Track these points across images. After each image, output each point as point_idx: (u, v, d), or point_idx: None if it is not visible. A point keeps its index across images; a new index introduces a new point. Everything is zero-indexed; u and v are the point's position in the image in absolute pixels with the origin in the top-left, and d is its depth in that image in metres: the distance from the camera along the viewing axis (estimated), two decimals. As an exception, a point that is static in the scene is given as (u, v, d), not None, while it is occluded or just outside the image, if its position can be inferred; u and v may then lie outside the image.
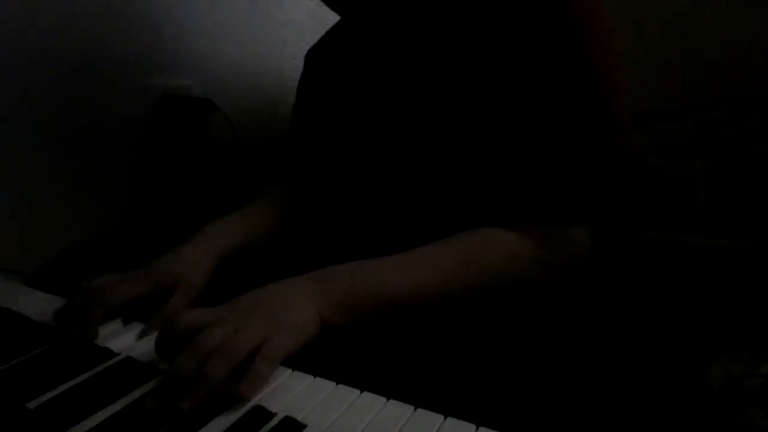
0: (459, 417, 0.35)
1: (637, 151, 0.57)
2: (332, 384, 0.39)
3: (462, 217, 0.56)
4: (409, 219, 0.62)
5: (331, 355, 0.45)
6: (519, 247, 0.53)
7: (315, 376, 0.40)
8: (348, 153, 0.70)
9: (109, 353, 0.46)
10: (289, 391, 0.39)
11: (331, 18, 0.80)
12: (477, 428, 0.34)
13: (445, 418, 0.35)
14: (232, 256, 0.66)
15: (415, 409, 0.36)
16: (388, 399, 0.37)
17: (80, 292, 0.53)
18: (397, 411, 0.36)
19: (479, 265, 0.53)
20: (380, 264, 0.52)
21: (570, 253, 0.55)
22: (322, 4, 0.67)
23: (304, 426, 0.35)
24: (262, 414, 0.36)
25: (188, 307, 0.56)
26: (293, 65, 1.23)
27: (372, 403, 0.37)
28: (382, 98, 0.65)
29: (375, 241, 0.55)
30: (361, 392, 0.38)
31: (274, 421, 0.36)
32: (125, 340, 0.49)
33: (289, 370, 0.41)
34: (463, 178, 0.58)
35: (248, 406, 0.37)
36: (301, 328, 0.45)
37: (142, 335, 0.50)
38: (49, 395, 0.40)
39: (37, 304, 0.56)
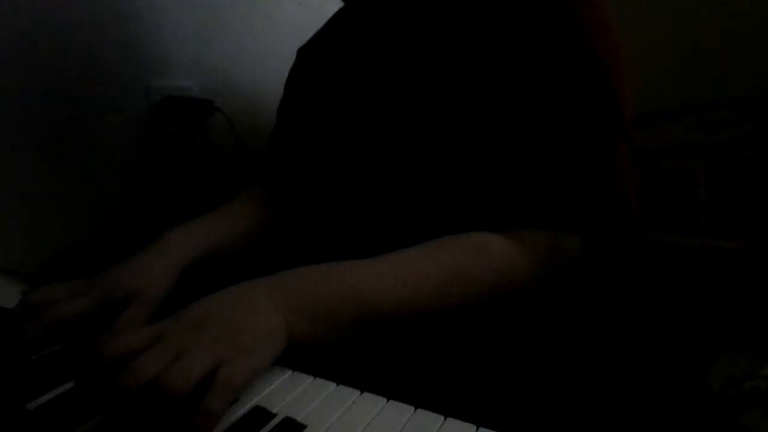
0: (459, 417, 0.35)
1: (645, 156, 0.55)
2: (332, 384, 0.39)
3: (453, 216, 0.54)
4: (399, 221, 0.59)
5: (331, 355, 0.44)
6: (513, 258, 0.50)
7: (315, 376, 0.40)
8: (334, 151, 0.66)
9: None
10: (289, 391, 0.39)
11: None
12: (477, 428, 0.34)
13: (445, 418, 0.35)
14: (201, 264, 0.60)
15: (415, 410, 0.36)
16: (388, 399, 0.37)
17: (21, 306, 0.48)
18: (397, 411, 0.36)
19: (471, 280, 0.48)
20: (359, 268, 0.46)
21: (560, 262, 0.52)
22: (322, 5, 0.67)
23: (304, 426, 0.35)
24: (262, 414, 0.36)
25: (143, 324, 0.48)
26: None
27: (372, 403, 0.37)
28: (372, 96, 0.63)
29: (361, 242, 0.51)
30: (361, 392, 0.38)
31: (274, 422, 0.36)
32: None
33: (289, 371, 0.41)
34: (456, 178, 0.55)
35: (248, 407, 0.37)
36: (264, 344, 0.39)
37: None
38: (49, 396, 0.40)
39: (37, 305, 0.56)
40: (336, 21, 0.76)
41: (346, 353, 0.45)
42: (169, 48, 1.02)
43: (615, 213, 0.53)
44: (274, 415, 0.36)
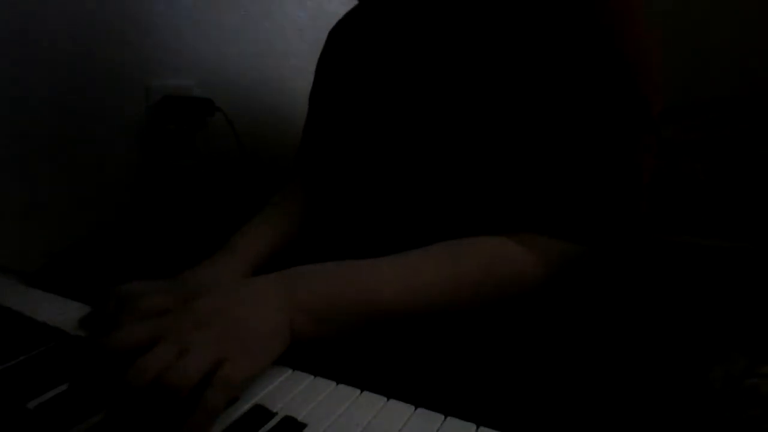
0: (459, 417, 0.35)
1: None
2: (332, 384, 0.39)
3: (472, 213, 0.54)
4: (422, 214, 0.59)
5: (331, 355, 0.44)
6: (524, 265, 0.50)
7: (315, 376, 0.40)
8: (363, 142, 0.66)
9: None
10: (289, 391, 0.39)
11: (332, 19, 0.80)
12: (477, 428, 0.34)
13: (445, 418, 0.35)
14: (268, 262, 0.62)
15: (415, 409, 0.36)
16: (388, 399, 0.37)
17: (109, 299, 0.49)
18: (397, 411, 0.36)
19: (479, 285, 0.49)
20: (366, 268, 0.47)
21: (569, 272, 0.52)
22: (322, 5, 0.66)
23: (304, 426, 0.35)
24: (262, 413, 0.36)
25: None
26: (293, 65, 1.24)
27: (372, 403, 0.37)
28: (401, 85, 0.61)
29: (386, 233, 0.52)
30: (361, 392, 0.38)
31: (274, 421, 0.36)
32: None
33: (289, 370, 0.41)
34: (479, 175, 0.55)
35: (248, 406, 0.37)
36: (266, 343, 0.39)
37: None
38: (49, 395, 0.40)
39: (37, 304, 0.56)
40: (368, 3, 0.73)
41: (346, 352, 0.45)
42: (169, 48, 1.02)
43: (630, 226, 0.52)
44: (274, 414, 0.36)
